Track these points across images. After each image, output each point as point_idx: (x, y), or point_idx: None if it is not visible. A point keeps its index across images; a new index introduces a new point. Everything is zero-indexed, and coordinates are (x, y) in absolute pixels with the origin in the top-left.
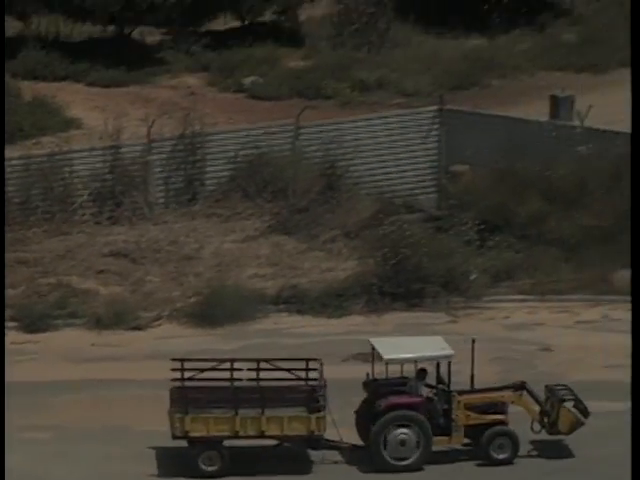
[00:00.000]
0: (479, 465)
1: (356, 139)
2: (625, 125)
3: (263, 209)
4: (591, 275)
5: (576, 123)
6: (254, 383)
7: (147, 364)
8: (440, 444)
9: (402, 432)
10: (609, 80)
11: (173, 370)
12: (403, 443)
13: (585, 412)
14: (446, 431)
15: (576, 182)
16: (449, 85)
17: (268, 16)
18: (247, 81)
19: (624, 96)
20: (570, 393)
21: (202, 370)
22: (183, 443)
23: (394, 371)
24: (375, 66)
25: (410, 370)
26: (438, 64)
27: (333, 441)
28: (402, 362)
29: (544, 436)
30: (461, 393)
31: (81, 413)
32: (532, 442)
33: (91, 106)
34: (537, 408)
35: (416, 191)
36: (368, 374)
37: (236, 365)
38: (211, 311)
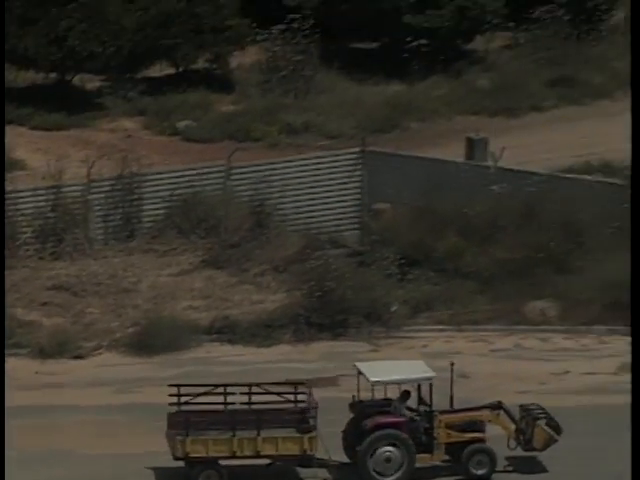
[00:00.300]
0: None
1: (284, 179)
2: (536, 165)
3: (197, 245)
4: (504, 306)
5: (490, 164)
6: (246, 407)
7: (89, 391)
8: (423, 461)
9: (387, 450)
10: (521, 123)
11: (170, 395)
12: (388, 460)
13: (557, 429)
14: (428, 449)
15: (490, 219)
16: (371, 128)
17: (201, 63)
18: (181, 125)
19: (535, 138)
20: (543, 412)
21: (197, 395)
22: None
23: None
24: (301, 110)
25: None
26: (361, 109)
27: (323, 459)
28: (387, 384)
29: (519, 452)
30: (442, 413)
31: (26, 438)
32: (508, 458)
33: (34, 148)
34: (513, 426)
35: (341, 228)
36: (354, 396)
37: (229, 390)
38: (148, 341)
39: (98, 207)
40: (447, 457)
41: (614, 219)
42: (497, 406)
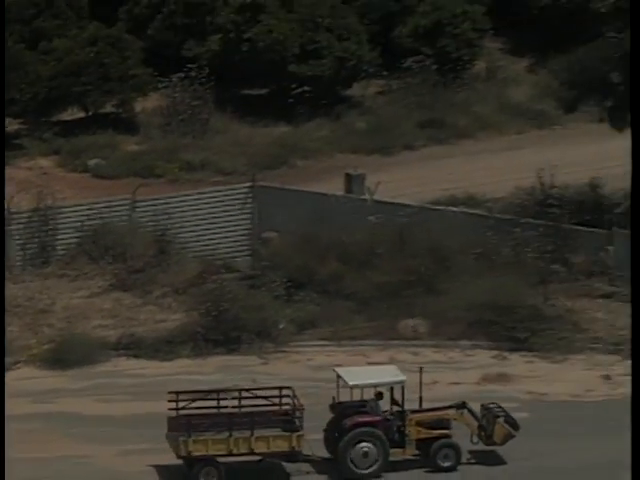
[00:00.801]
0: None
1: (183, 211)
2: (408, 198)
3: (105, 270)
4: (380, 324)
5: (366, 197)
6: (237, 410)
7: (9, 401)
8: (396, 455)
9: (364, 446)
10: (394, 161)
11: (170, 401)
12: (365, 455)
13: (515, 426)
14: (401, 444)
15: (367, 246)
16: (261, 165)
17: (108, 108)
18: (91, 163)
19: (407, 174)
20: (502, 410)
21: (194, 400)
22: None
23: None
24: (199, 150)
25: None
26: (252, 148)
27: (307, 455)
28: (364, 387)
29: (481, 447)
30: (413, 412)
31: None
32: (471, 452)
33: None
34: (475, 423)
35: (234, 254)
36: (334, 398)
37: (221, 395)
38: (62, 356)
39: (17, 236)
40: (417, 452)
41: (477, 246)
42: (461, 406)
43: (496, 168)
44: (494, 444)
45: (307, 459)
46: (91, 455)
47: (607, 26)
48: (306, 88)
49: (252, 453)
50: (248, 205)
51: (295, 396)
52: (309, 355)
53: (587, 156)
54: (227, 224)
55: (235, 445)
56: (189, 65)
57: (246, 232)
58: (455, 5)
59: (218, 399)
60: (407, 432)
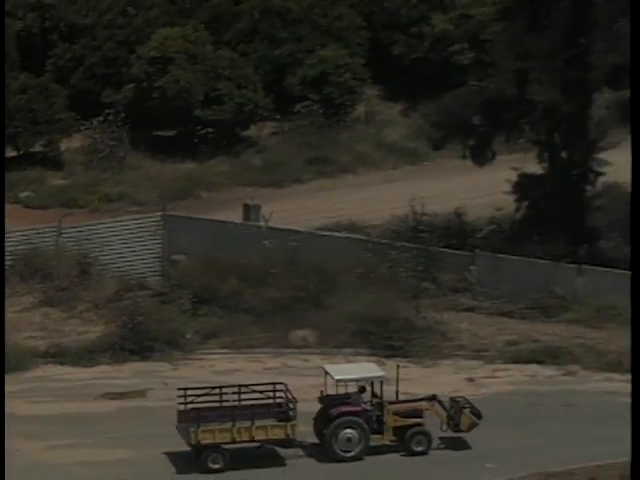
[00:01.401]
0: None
1: (103, 237)
2: (298, 225)
3: (35, 288)
4: (274, 334)
5: (262, 224)
6: (237, 403)
7: None
8: (375, 441)
9: (348, 432)
10: (286, 192)
11: (179, 397)
12: (349, 440)
13: (479, 415)
14: (379, 431)
15: (262, 267)
16: (170, 197)
17: (37, 148)
18: (22, 195)
19: (297, 204)
20: (468, 403)
21: (199, 395)
22: None
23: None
24: (116, 183)
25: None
26: (162, 182)
27: (300, 441)
28: (348, 382)
29: (450, 434)
30: (390, 403)
31: None
32: (441, 438)
33: None
34: (444, 414)
35: (147, 274)
36: (322, 391)
37: (224, 390)
38: None
39: None
40: (394, 438)
41: (358, 266)
42: (432, 398)
43: (374, 199)
44: (460, 431)
45: (299, 444)
46: (23, 449)
47: (469, 76)
48: (209, 130)
49: (252, 440)
50: (159, 231)
51: (288, 390)
52: (212, 362)
53: (452, 188)
54: (141, 248)
55: (238, 434)
56: (107, 110)
57: (157, 255)
58: (338, 58)
59: (220, 394)
60: (385, 421)
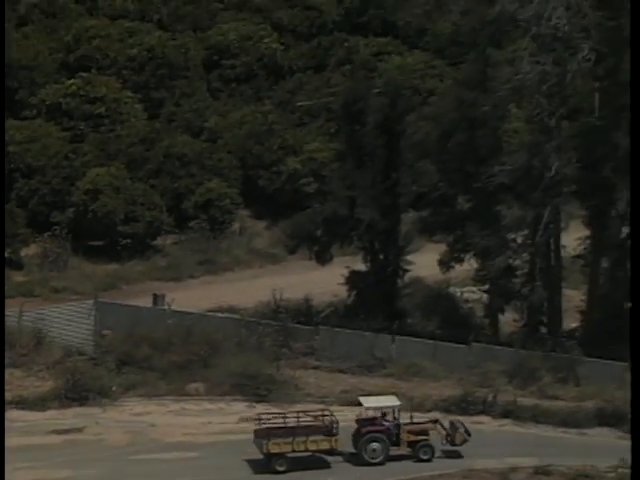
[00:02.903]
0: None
1: (52, 317)
2: (192, 308)
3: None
4: (176, 386)
5: (166, 307)
6: (296, 424)
7: None
8: (394, 451)
9: (374, 445)
10: (183, 285)
11: (256, 420)
12: (374, 450)
13: (469, 433)
14: (397, 444)
15: (166, 338)
16: (100, 289)
17: (6, 254)
18: None
19: (192, 294)
20: (462, 425)
21: (268, 419)
22: None
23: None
24: (62, 279)
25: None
26: (95, 278)
27: (341, 451)
28: (375, 409)
29: (448, 447)
30: (405, 424)
31: None
32: (442, 450)
33: None
34: (444, 432)
35: (84, 344)
36: (357, 415)
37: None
38: None
39: None
40: (408, 449)
41: (235, 337)
42: (435, 421)
43: (246, 289)
44: (455, 445)
45: (339, 453)
46: None
47: (313, 201)
48: (128, 240)
49: (306, 450)
50: (92, 313)
51: (332, 414)
52: (131, 406)
53: (302, 281)
54: (79, 325)
55: (297, 446)
56: (55, 227)
57: (91, 330)
58: (219, 189)
59: (284, 418)
60: (401, 437)
